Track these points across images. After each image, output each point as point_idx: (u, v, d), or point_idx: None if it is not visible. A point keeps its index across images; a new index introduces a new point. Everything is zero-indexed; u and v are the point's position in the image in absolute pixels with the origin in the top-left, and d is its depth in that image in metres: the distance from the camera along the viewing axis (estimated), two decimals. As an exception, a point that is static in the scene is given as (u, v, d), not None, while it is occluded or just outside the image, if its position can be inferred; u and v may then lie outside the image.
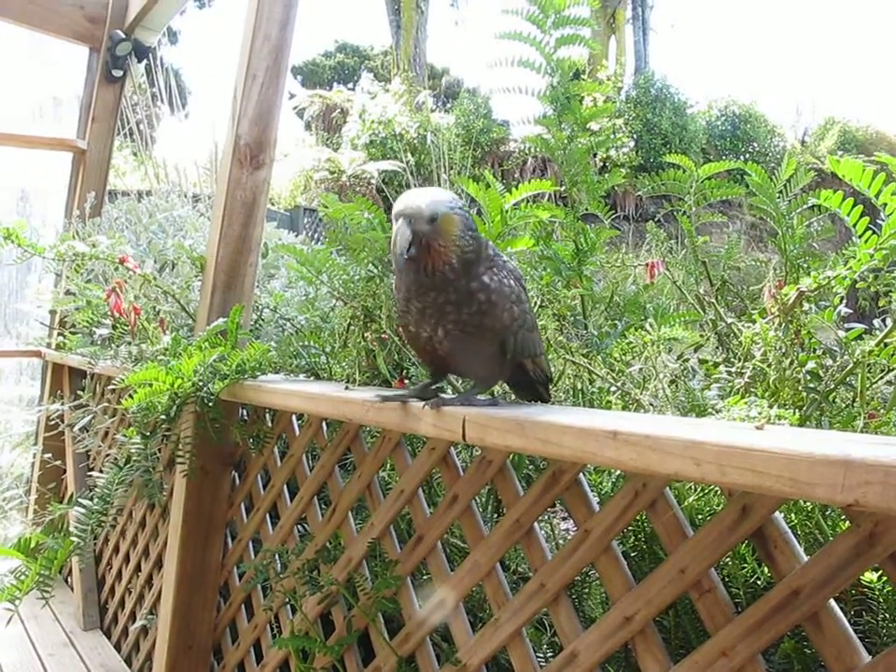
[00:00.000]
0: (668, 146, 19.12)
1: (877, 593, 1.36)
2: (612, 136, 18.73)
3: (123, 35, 5.01)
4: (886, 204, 1.40)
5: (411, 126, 17.92)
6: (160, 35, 5.39)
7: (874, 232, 1.47)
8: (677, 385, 1.87)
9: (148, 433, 2.54)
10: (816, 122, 23.39)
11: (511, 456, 1.75)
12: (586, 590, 1.81)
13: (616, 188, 17.40)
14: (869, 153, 20.07)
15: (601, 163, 18.56)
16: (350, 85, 34.53)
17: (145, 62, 5.36)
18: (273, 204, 15.72)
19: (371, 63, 37.67)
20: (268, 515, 2.72)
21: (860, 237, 1.47)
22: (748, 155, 20.58)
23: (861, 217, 1.50)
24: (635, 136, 19.41)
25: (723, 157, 20.34)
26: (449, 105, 23.82)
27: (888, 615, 1.38)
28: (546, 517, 2.02)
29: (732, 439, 1.04)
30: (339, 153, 17.94)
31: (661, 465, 1.11)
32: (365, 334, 2.04)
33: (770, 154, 20.87)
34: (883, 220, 1.44)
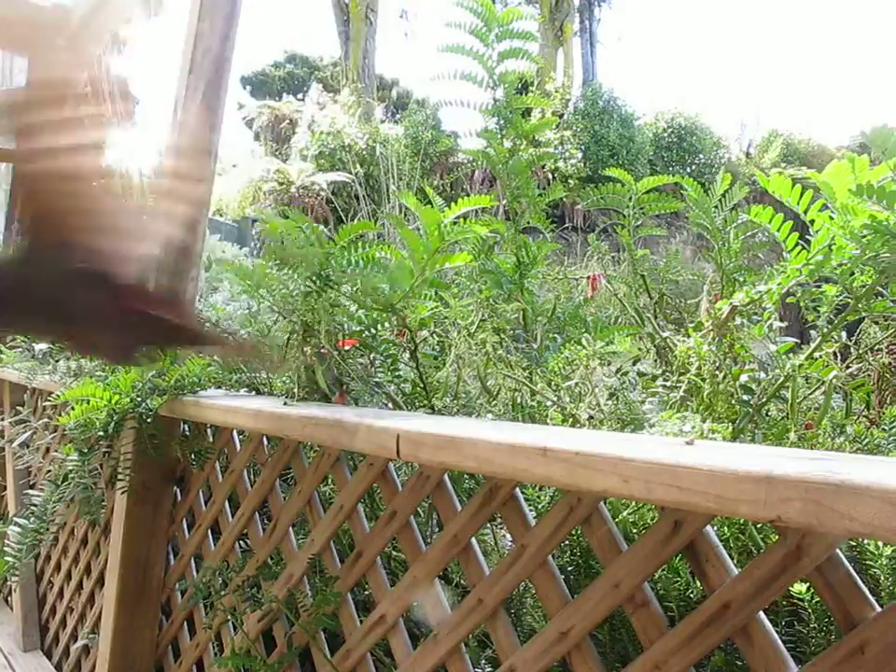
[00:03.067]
0: (616, 157, 19.30)
1: (807, 604, 1.38)
2: (556, 149, 18.90)
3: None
4: (814, 221, 1.42)
5: (360, 137, 17.92)
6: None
7: (803, 248, 1.49)
8: (617, 399, 1.88)
9: (87, 450, 2.51)
10: (760, 135, 23.79)
11: (449, 472, 1.75)
12: (526, 604, 1.81)
13: (564, 199, 17.52)
14: (811, 165, 20.46)
15: (550, 175, 18.69)
16: (300, 95, 34.45)
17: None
18: (220, 215, 15.63)
19: (321, 73, 37.58)
20: (210, 531, 2.69)
21: (789, 252, 1.49)
22: (694, 166, 20.83)
23: (792, 232, 1.52)
24: (583, 148, 19.56)
25: (670, 168, 20.57)
26: (398, 117, 23.86)
27: (816, 625, 1.39)
28: (490, 528, 2.02)
29: (658, 455, 1.05)
30: (288, 164, 17.88)
31: (590, 482, 1.11)
32: (304, 349, 2.03)
33: (716, 166, 21.14)
34: (812, 236, 1.47)
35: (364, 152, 17.42)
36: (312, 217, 15.93)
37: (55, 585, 4.18)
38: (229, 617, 2.43)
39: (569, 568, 1.66)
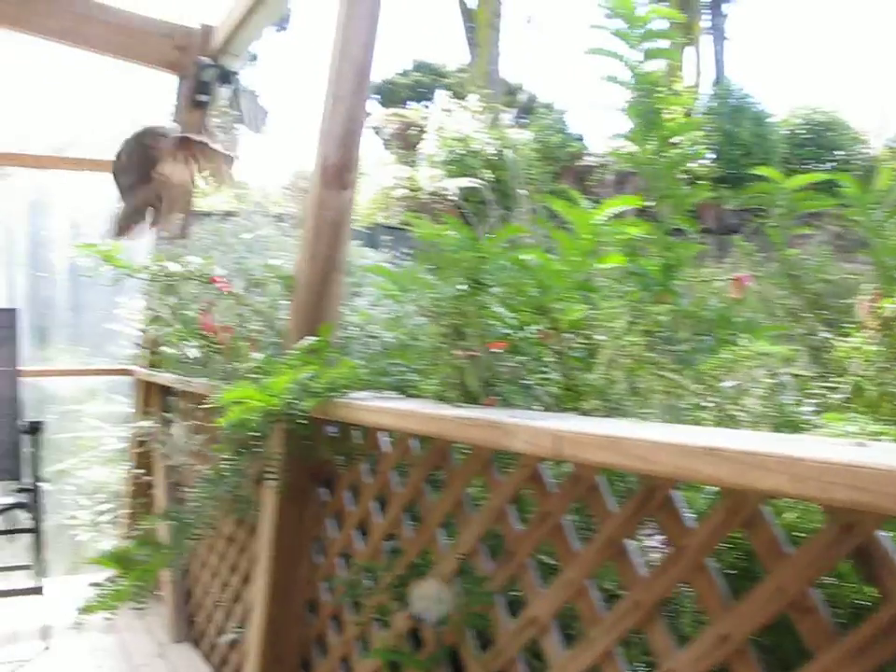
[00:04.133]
0: (749, 156, 18.85)
1: None
2: (695, 149, 18.60)
3: (209, 62, 5.14)
4: None
5: (488, 143, 17.97)
6: (242, 60, 5.53)
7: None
8: (771, 401, 1.85)
9: (240, 449, 2.60)
10: (902, 127, 22.84)
11: (601, 473, 1.75)
12: (680, 608, 1.79)
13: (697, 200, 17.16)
14: (959, 159, 19.56)
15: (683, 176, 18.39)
16: (426, 103, 34.82)
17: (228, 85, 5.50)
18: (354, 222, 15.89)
19: (447, 80, 37.88)
20: (356, 531, 2.75)
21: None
22: (833, 163, 20.15)
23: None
24: (715, 148, 19.19)
25: (805, 166, 19.98)
26: (525, 121, 23.86)
27: None
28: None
29: (833, 455, 1.03)
30: (417, 171, 18.06)
31: (760, 481, 1.10)
32: (454, 352, 2.05)
33: (855, 162, 20.41)
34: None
35: (492, 157, 17.46)
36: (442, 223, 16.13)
37: (202, 581, 4.33)
38: (377, 616, 2.48)
39: (730, 572, 1.64)
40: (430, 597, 2.12)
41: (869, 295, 1.72)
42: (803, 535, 1.48)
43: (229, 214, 6.28)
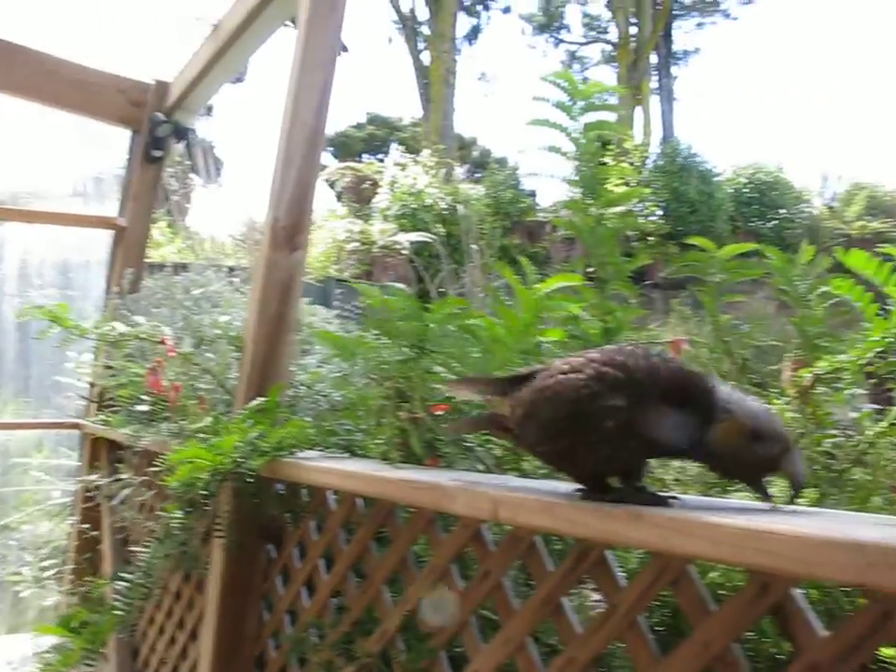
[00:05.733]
0: (696, 213, 19.27)
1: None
2: (635, 207, 18.95)
3: (164, 118, 5.21)
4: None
5: (441, 197, 18.18)
6: (198, 116, 5.60)
7: (884, 318, 1.54)
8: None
9: (189, 508, 2.63)
10: (842, 188, 23.50)
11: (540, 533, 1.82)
12: (615, 664, 1.85)
13: (644, 255, 17.45)
14: (896, 218, 20.11)
15: (629, 232, 18.72)
16: (380, 156, 35.12)
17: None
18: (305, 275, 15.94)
19: (401, 133, 38.30)
20: (304, 588, 2.77)
21: (869, 323, 1.55)
22: (775, 221, 20.63)
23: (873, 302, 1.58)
24: (662, 205, 19.58)
25: (751, 223, 20.44)
26: (478, 176, 24.16)
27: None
28: (578, 590, 2.07)
29: (747, 522, 1.11)
30: (370, 224, 18.20)
31: (683, 546, 1.17)
32: (398, 413, 2.12)
33: (797, 220, 20.94)
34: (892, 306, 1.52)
35: (445, 212, 17.66)
36: (393, 277, 16.15)
37: (148, 638, 4.30)
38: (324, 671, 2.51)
39: (659, 629, 1.71)
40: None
41: (792, 362, 1.82)
42: (725, 593, 1.55)
43: (180, 266, 6.31)
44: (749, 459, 1.30)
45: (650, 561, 1.54)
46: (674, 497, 1.41)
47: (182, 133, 5.36)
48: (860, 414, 1.63)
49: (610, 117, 2.63)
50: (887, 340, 1.50)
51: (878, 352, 1.55)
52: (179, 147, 5.63)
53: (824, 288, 1.88)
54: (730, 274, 2.26)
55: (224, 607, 2.97)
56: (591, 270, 2.44)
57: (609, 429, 1.34)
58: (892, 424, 1.58)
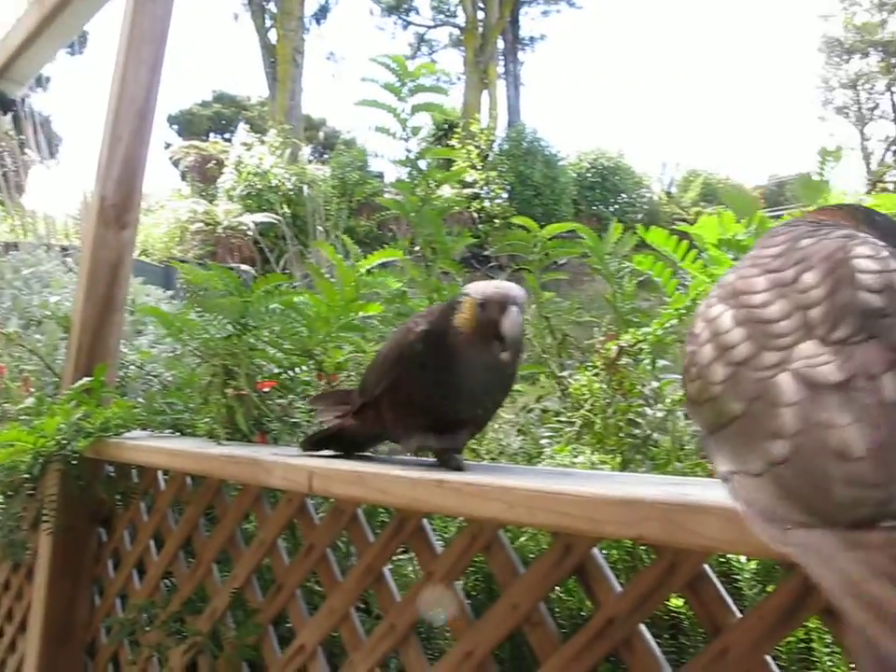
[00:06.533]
0: (540, 197, 19.68)
1: (684, 617, 1.50)
2: (482, 190, 19.26)
3: (-14, 90, 4.99)
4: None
5: (287, 178, 18.01)
6: (26, 88, 5.38)
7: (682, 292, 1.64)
8: (525, 435, 2.01)
9: (11, 493, 2.56)
10: (681, 174, 24.47)
11: (363, 505, 1.85)
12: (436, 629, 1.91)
13: (489, 237, 17.87)
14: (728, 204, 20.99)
15: (476, 215, 19.00)
16: (227, 135, 34.45)
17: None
18: (146, 257, 15.56)
19: (249, 113, 37.65)
20: (135, 570, 2.74)
21: (670, 297, 1.64)
22: (617, 206, 21.29)
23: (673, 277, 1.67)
24: (508, 188, 19.91)
25: (594, 207, 21.02)
26: (327, 157, 24.01)
27: (696, 636, 1.52)
28: (411, 559, 2.11)
29: (539, 484, 1.17)
30: (215, 205, 17.89)
31: (480, 509, 1.23)
32: (225, 391, 2.12)
33: (638, 204, 21.66)
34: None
35: (291, 193, 17.51)
36: (238, 258, 15.92)
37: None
38: (154, 653, 2.49)
39: (474, 593, 1.77)
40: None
41: (603, 337, 1.91)
42: (534, 557, 1.63)
43: (11, 245, 6.07)
44: (479, 325, 1.47)
45: (464, 528, 1.59)
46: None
47: (7, 104, 5.14)
48: (660, 384, 1.72)
49: (441, 99, 2.67)
50: (681, 313, 1.59)
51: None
52: (7, 120, 5.39)
53: (629, 266, 1.97)
54: (551, 252, 2.34)
55: (53, 594, 2.89)
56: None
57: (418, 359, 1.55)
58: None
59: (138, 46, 3.06)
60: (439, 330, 1.53)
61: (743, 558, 1.46)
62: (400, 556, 2.01)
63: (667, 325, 1.63)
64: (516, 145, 20.87)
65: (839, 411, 0.82)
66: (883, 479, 0.78)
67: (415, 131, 2.55)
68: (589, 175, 21.58)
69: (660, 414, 1.68)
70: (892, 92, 27.68)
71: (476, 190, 19.55)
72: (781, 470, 0.83)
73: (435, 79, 2.42)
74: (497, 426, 2.01)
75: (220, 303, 1.95)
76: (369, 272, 2.00)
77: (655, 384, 1.72)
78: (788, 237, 1.05)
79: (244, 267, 14.58)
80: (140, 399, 2.75)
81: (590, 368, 1.83)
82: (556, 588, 1.57)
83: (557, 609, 1.59)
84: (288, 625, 2.15)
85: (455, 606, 1.61)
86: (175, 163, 22.27)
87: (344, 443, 1.83)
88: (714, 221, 1.55)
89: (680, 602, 1.49)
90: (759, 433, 0.86)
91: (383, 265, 2.45)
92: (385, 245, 2.39)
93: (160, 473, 2.62)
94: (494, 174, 19.82)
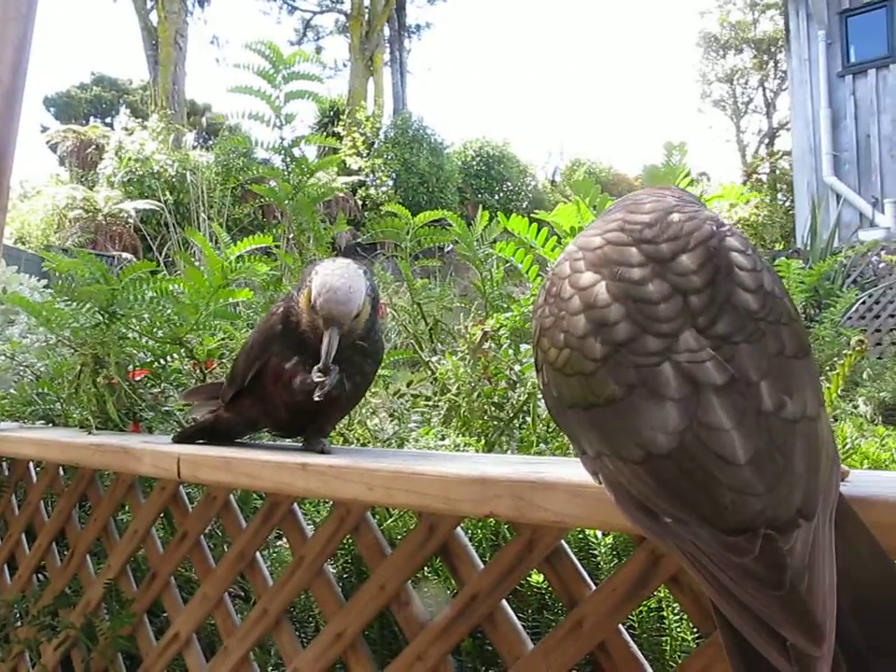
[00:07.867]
0: (426, 184, 19.74)
1: (545, 592, 1.56)
2: (367, 177, 19.23)
3: None
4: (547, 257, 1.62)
5: (169, 164, 17.66)
6: None
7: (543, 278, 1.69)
8: (398, 420, 2.04)
9: None
10: (565, 163, 24.89)
11: (236, 492, 1.86)
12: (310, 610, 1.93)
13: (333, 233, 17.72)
14: (611, 192, 21.38)
15: (361, 202, 18.97)
16: (108, 119, 33.55)
17: None
18: (23, 244, 15.09)
19: (130, 97, 36.69)
20: (6, 566, 2.68)
21: (530, 282, 1.70)
22: (501, 194, 21.52)
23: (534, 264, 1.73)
24: (394, 175, 19.93)
25: (479, 195, 21.18)
26: (211, 143, 23.59)
27: (556, 611, 1.58)
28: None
29: (398, 465, 1.21)
30: (95, 191, 17.43)
31: (342, 491, 1.26)
32: (95, 380, 2.10)
33: (522, 192, 21.93)
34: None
35: (174, 179, 17.17)
36: (120, 246, 15.54)
37: None
38: (25, 649, 2.44)
39: (346, 576, 1.80)
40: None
41: (470, 322, 1.95)
42: (401, 537, 1.66)
43: None
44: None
45: (332, 511, 1.62)
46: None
47: None
48: (522, 367, 1.77)
49: (317, 87, 2.67)
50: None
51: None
52: None
53: (494, 254, 2.02)
54: (423, 239, 2.38)
55: (-85, 594, 2.81)
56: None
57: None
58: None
59: (2, 24, 2.97)
60: (295, 311, 1.54)
61: (600, 533, 1.52)
62: (278, 542, 2.03)
63: (527, 309, 1.68)
64: (402, 132, 20.88)
65: (723, 414, 0.85)
66: (764, 488, 0.82)
67: (289, 118, 2.55)
68: (474, 163, 21.74)
69: (523, 398, 1.74)
70: (765, 88, 28.64)
71: (361, 178, 19.51)
72: (662, 463, 0.85)
73: (320, 67, 2.42)
74: (366, 411, 2.05)
75: (87, 291, 1.93)
76: (239, 258, 2.01)
77: (518, 367, 1.78)
78: (656, 206, 1.04)
79: (125, 255, 14.27)
80: (11, 391, 2.69)
81: (456, 353, 1.87)
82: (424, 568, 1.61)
83: (424, 589, 1.63)
84: (165, 615, 2.15)
85: (324, 589, 1.64)
86: (53, 148, 21.58)
87: (219, 436, 1.83)
88: (571, 209, 1.61)
89: (541, 578, 1.54)
90: (639, 422, 0.87)
91: (266, 252, 2.46)
92: (266, 232, 2.40)
93: (31, 465, 2.58)
94: (379, 161, 19.82)
